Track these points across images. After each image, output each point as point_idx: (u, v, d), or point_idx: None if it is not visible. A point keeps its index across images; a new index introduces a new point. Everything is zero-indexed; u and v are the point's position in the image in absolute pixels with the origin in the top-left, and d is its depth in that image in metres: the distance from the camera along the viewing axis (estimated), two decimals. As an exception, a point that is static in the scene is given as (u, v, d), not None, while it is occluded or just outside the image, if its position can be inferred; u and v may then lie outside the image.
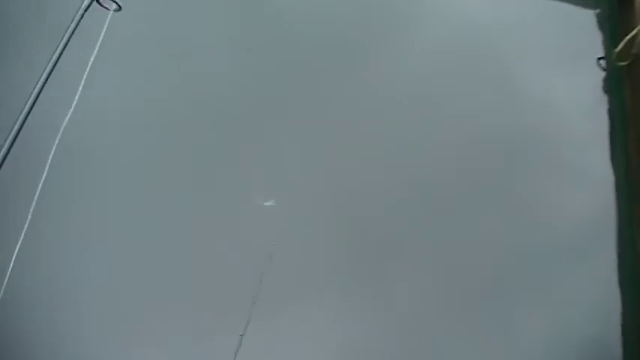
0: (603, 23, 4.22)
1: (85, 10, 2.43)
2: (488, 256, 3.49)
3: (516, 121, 3.81)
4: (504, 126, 3.79)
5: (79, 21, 2.35)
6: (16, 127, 2.34)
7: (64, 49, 2.35)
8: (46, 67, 2.41)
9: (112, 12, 2.56)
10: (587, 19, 4.25)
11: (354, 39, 3.95)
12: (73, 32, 2.36)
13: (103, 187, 3.35)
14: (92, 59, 2.77)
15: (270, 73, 3.78)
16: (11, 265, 2.35)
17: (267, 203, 3.36)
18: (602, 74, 4.06)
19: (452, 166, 3.66)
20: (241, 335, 2.92)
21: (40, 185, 2.73)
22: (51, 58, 2.41)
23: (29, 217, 2.67)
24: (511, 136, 3.77)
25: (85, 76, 2.76)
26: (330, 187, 3.49)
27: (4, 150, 2.30)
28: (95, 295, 3.07)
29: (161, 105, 3.59)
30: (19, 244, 2.57)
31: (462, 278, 3.43)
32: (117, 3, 2.59)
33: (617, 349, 3.36)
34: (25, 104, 2.34)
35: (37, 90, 2.35)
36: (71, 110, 2.93)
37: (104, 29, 2.54)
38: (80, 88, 2.80)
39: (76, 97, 2.57)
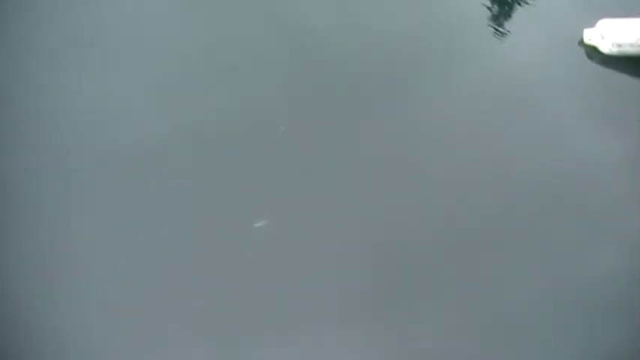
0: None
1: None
2: (511, 302, 3.50)
3: (553, 173, 3.88)
4: (541, 176, 3.86)
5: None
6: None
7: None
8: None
9: None
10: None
11: (396, 76, 4.19)
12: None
13: (103, 187, 3.66)
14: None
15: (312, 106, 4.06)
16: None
17: (257, 224, 3.60)
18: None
19: (485, 209, 3.75)
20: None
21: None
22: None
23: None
24: (547, 187, 3.84)
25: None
26: (360, 226, 3.65)
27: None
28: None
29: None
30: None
31: (485, 322, 3.46)
32: None
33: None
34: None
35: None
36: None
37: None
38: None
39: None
